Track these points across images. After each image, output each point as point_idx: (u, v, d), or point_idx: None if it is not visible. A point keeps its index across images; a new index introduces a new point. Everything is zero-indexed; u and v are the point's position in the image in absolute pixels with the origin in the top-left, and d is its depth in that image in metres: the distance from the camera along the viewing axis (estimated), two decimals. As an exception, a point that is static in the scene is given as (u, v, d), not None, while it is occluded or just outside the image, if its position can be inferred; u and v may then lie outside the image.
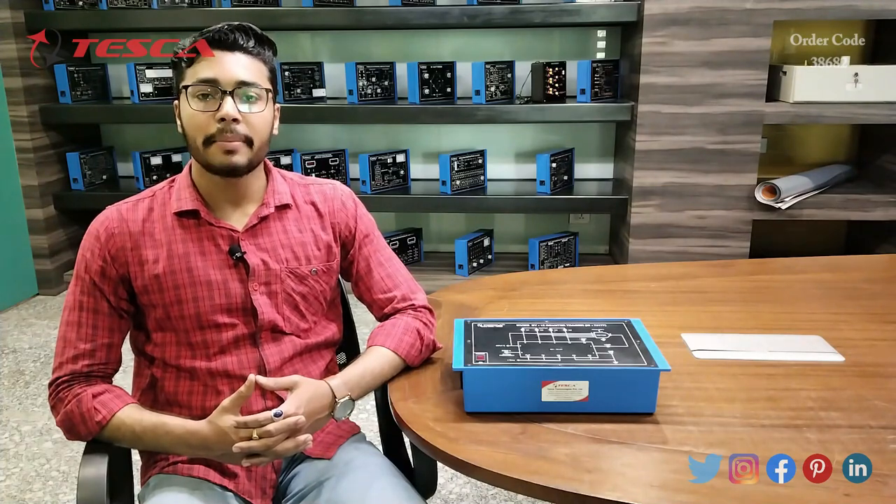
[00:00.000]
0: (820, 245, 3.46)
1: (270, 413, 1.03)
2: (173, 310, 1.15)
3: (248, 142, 1.13)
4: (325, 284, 1.26)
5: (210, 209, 1.18)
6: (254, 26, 1.15)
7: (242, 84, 1.12)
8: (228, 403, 1.05)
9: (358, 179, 3.25)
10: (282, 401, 1.18)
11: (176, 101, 1.16)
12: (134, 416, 1.11)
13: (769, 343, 1.30)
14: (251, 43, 1.14)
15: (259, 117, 1.14)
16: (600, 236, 3.61)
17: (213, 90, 1.11)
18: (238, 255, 1.17)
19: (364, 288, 1.30)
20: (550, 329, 1.18)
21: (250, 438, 1.03)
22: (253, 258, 1.18)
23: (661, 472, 0.93)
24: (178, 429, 1.08)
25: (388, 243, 3.53)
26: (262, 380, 1.07)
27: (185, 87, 1.12)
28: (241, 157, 1.13)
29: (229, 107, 1.10)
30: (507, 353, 1.09)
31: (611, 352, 1.09)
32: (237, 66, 1.12)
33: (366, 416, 2.25)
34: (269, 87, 1.16)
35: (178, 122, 1.16)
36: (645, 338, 1.14)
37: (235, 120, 1.11)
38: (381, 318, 1.29)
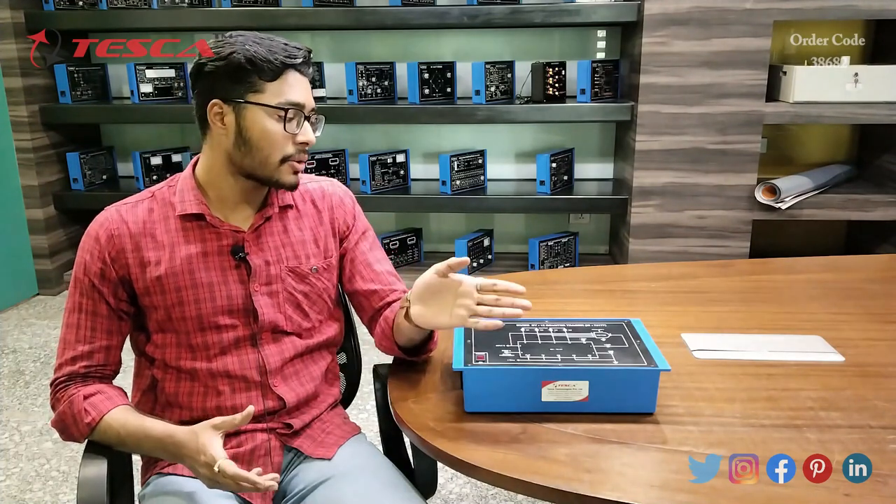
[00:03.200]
0: (820, 245, 3.46)
1: (265, 482, 1.01)
2: (174, 311, 1.15)
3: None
4: (328, 282, 1.26)
5: (215, 211, 1.18)
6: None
7: (314, 110, 1.16)
8: (220, 423, 1.04)
9: (358, 179, 3.25)
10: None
11: (218, 102, 1.11)
12: (119, 418, 1.10)
13: (769, 343, 1.30)
14: (311, 68, 1.18)
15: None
16: (600, 236, 3.61)
17: (297, 114, 1.13)
18: (240, 255, 1.17)
19: (360, 280, 1.27)
20: (550, 329, 1.18)
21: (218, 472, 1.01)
22: (255, 259, 1.18)
23: (661, 472, 0.93)
24: (158, 432, 1.08)
25: (388, 243, 3.52)
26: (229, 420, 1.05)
27: (285, 110, 1.11)
28: (300, 175, 1.19)
29: (312, 133, 1.16)
30: (507, 353, 1.09)
31: (611, 352, 1.09)
32: (310, 91, 1.16)
33: (366, 416, 2.25)
34: None
35: (221, 125, 1.12)
36: (645, 338, 1.14)
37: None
38: (374, 313, 1.27)
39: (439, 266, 1.08)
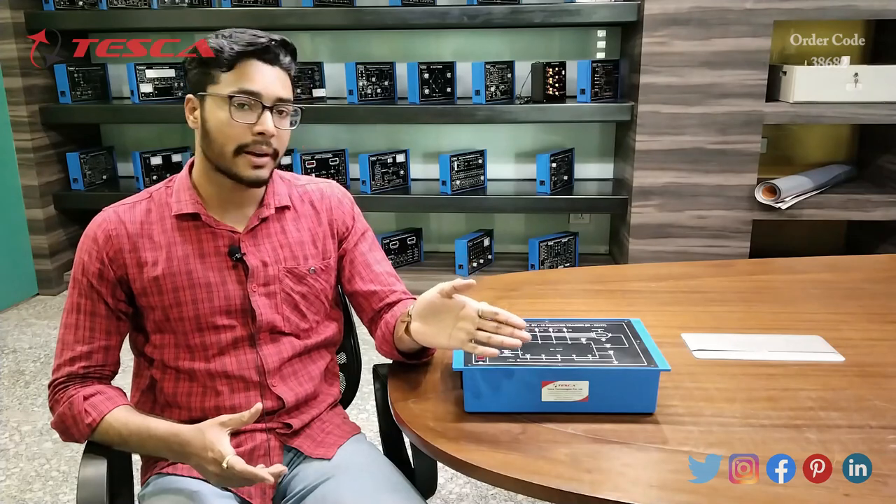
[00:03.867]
0: (820, 245, 3.46)
1: (275, 470, 1.02)
2: (172, 312, 1.15)
3: (275, 155, 1.15)
4: (325, 283, 1.25)
5: (211, 211, 1.18)
6: (289, 41, 1.16)
7: (280, 101, 1.13)
8: (228, 421, 1.04)
9: (358, 179, 3.25)
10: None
11: (190, 96, 1.15)
12: (121, 418, 1.10)
13: (769, 343, 1.29)
14: (287, 59, 1.15)
15: (287, 133, 1.16)
16: (600, 236, 3.61)
17: (255, 103, 1.11)
18: (237, 255, 1.17)
19: (360, 280, 1.27)
20: (550, 329, 1.18)
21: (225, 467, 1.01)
22: (252, 259, 1.18)
23: (661, 472, 0.93)
24: (162, 431, 1.08)
25: (388, 243, 3.52)
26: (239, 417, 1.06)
27: (230, 97, 1.10)
28: (266, 171, 1.15)
29: (270, 123, 1.12)
30: (507, 352, 1.09)
31: (611, 352, 1.09)
32: (277, 81, 1.13)
33: (366, 416, 2.25)
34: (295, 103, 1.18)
35: (192, 119, 1.15)
36: (645, 338, 1.14)
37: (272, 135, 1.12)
38: (374, 314, 1.26)
39: (444, 286, 1.07)
